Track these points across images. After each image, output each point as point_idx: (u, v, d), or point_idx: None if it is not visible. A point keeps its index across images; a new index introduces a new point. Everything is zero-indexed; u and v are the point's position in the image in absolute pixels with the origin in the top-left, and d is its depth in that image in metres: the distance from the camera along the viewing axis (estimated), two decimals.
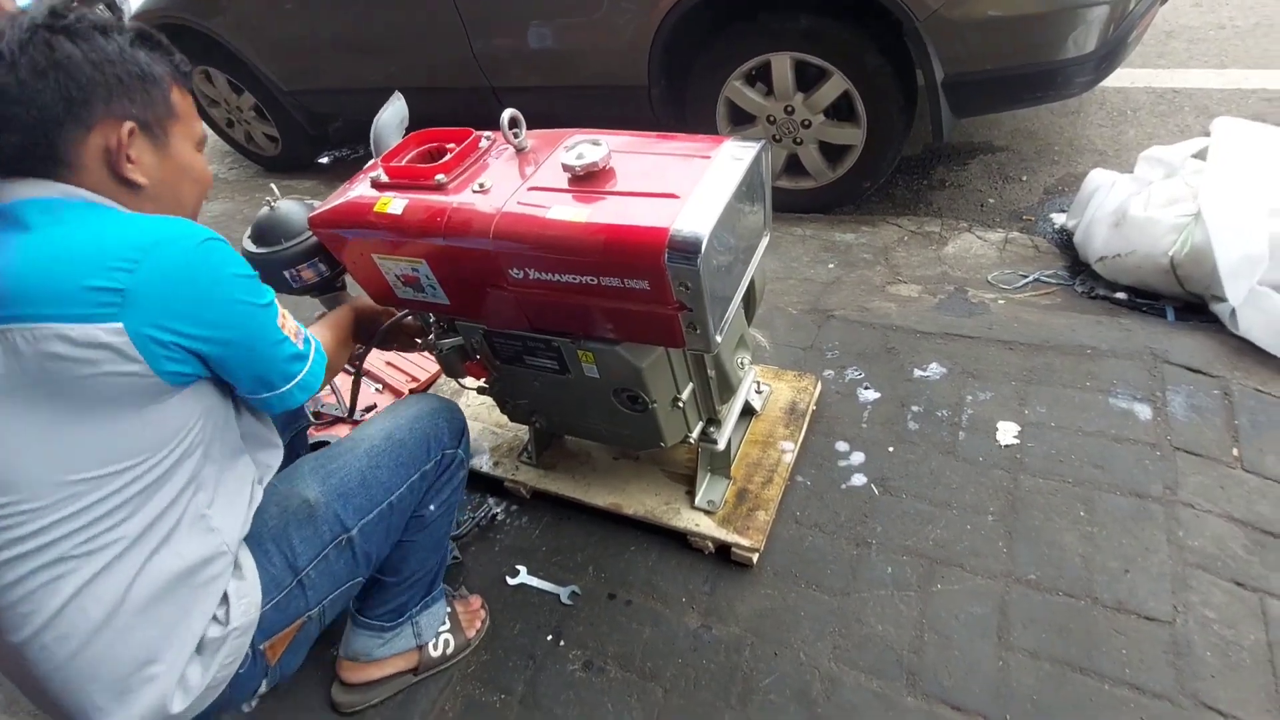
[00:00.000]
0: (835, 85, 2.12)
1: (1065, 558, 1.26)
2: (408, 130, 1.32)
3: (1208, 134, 1.83)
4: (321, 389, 1.00)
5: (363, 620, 1.19)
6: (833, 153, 2.32)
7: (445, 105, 2.74)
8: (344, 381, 1.91)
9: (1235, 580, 1.20)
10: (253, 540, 0.93)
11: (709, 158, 1.04)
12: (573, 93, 2.51)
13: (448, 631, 1.27)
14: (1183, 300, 1.76)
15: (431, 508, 1.14)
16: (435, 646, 1.25)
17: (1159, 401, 1.49)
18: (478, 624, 1.31)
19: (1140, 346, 1.62)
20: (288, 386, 0.90)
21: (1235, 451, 1.38)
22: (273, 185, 1.62)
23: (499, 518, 1.53)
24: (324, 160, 3.61)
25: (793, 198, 2.45)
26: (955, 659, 1.16)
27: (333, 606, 1.03)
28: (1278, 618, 1.15)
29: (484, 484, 1.59)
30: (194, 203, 0.94)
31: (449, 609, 1.29)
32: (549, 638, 1.30)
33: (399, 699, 1.24)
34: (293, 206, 1.30)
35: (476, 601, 1.34)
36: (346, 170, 3.55)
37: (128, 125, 0.81)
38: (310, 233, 1.23)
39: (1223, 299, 1.59)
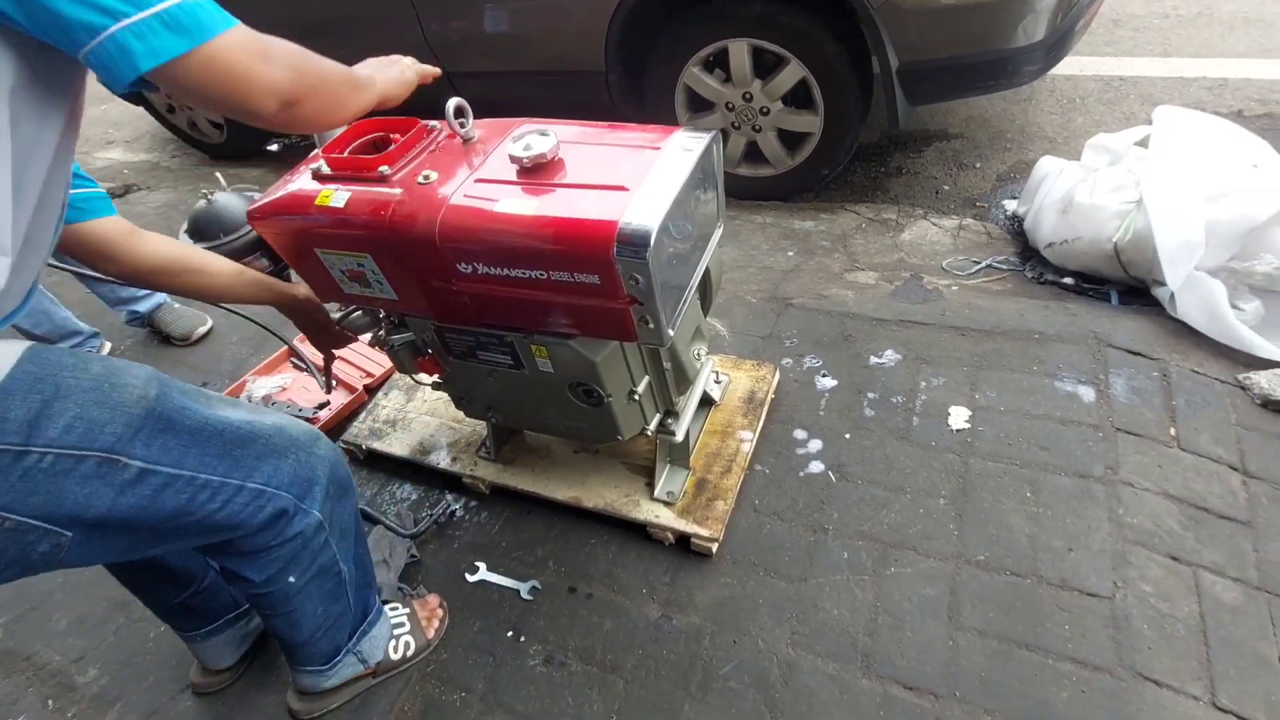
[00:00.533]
0: (793, 72, 2.11)
1: (1012, 538, 1.30)
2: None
3: (1150, 122, 1.88)
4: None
5: (297, 668, 1.14)
6: (791, 140, 2.32)
7: None
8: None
9: (1171, 555, 1.25)
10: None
11: (659, 149, 1.03)
12: (529, 78, 2.46)
13: (407, 634, 1.25)
14: (1126, 284, 1.81)
15: (291, 579, 1.00)
16: (395, 650, 1.23)
17: (1102, 384, 1.54)
18: (436, 623, 1.29)
19: (1085, 331, 1.66)
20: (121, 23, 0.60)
21: (1172, 431, 1.44)
22: (218, 174, 1.57)
23: (458, 514, 1.51)
24: (273, 148, 3.48)
25: (752, 185, 2.45)
26: (907, 640, 1.19)
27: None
28: (1210, 590, 1.20)
29: (442, 480, 1.57)
30: None
31: (407, 609, 1.28)
32: (509, 634, 1.29)
33: (356, 702, 1.22)
34: (231, 199, 1.25)
35: (434, 600, 1.32)
36: (297, 158, 3.42)
37: None
38: (250, 227, 1.19)
39: (1163, 283, 1.64)
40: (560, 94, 2.48)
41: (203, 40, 0.65)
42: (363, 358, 1.88)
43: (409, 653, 1.24)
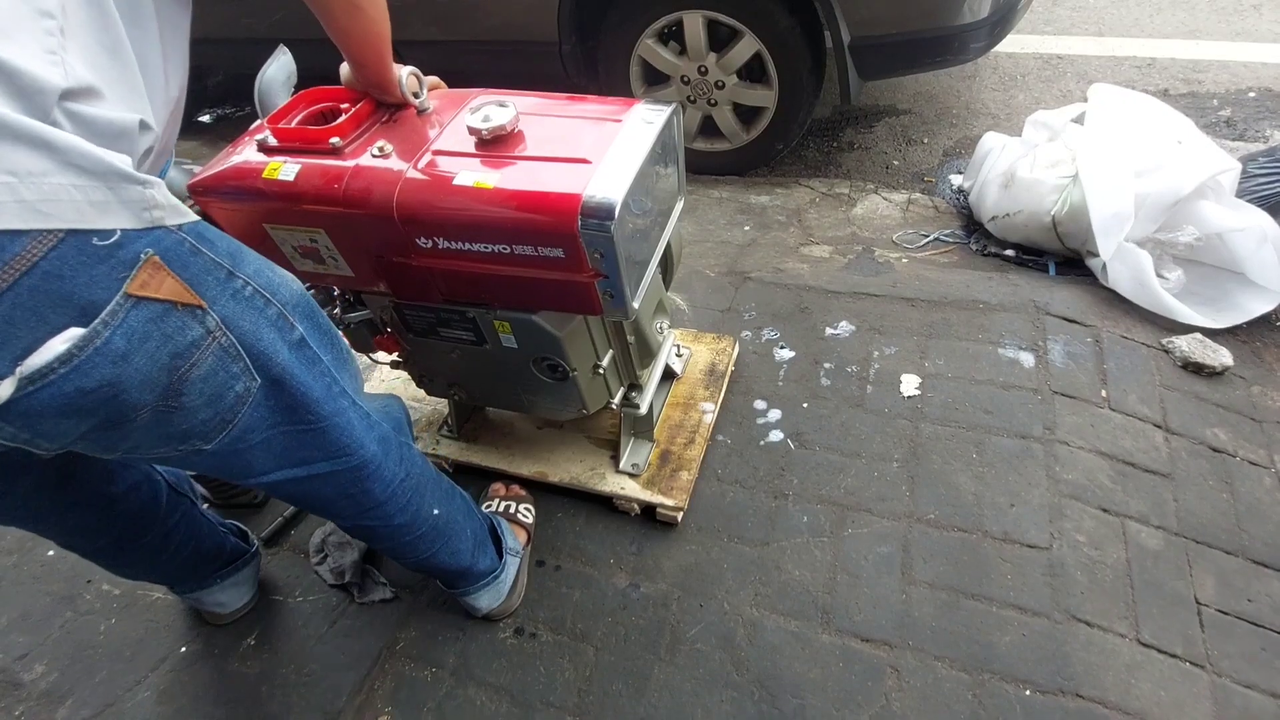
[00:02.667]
0: (747, 46, 2.12)
1: (960, 497, 1.37)
2: (296, 88, 1.23)
3: (1086, 99, 1.97)
4: None
5: (469, 591, 1.21)
6: (746, 115, 2.33)
7: (337, 59, 2.55)
8: None
9: (1102, 507, 1.35)
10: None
11: (620, 121, 1.03)
12: (479, 48, 2.40)
13: (514, 502, 1.39)
14: (1063, 256, 1.91)
15: (436, 511, 1.06)
16: (525, 516, 1.38)
17: (1041, 350, 1.62)
18: (503, 486, 1.44)
19: (1025, 300, 1.75)
20: None
21: (1104, 393, 1.53)
22: None
23: None
24: (205, 119, 3.30)
25: (709, 160, 2.46)
26: (864, 596, 1.25)
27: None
28: (1135, 538, 1.30)
29: None
30: None
31: (493, 496, 1.41)
32: None
33: (322, 683, 1.21)
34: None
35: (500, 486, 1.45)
36: (232, 129, 3.26)
37: None
38: (192, 201, 1.13)
39: (1095, 254, 1.74)
40: (512, 65, 2.42)
41: None
42: None
43: (529, 518, 1.39)
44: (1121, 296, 1.72)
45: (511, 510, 1.37)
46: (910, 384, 1.59)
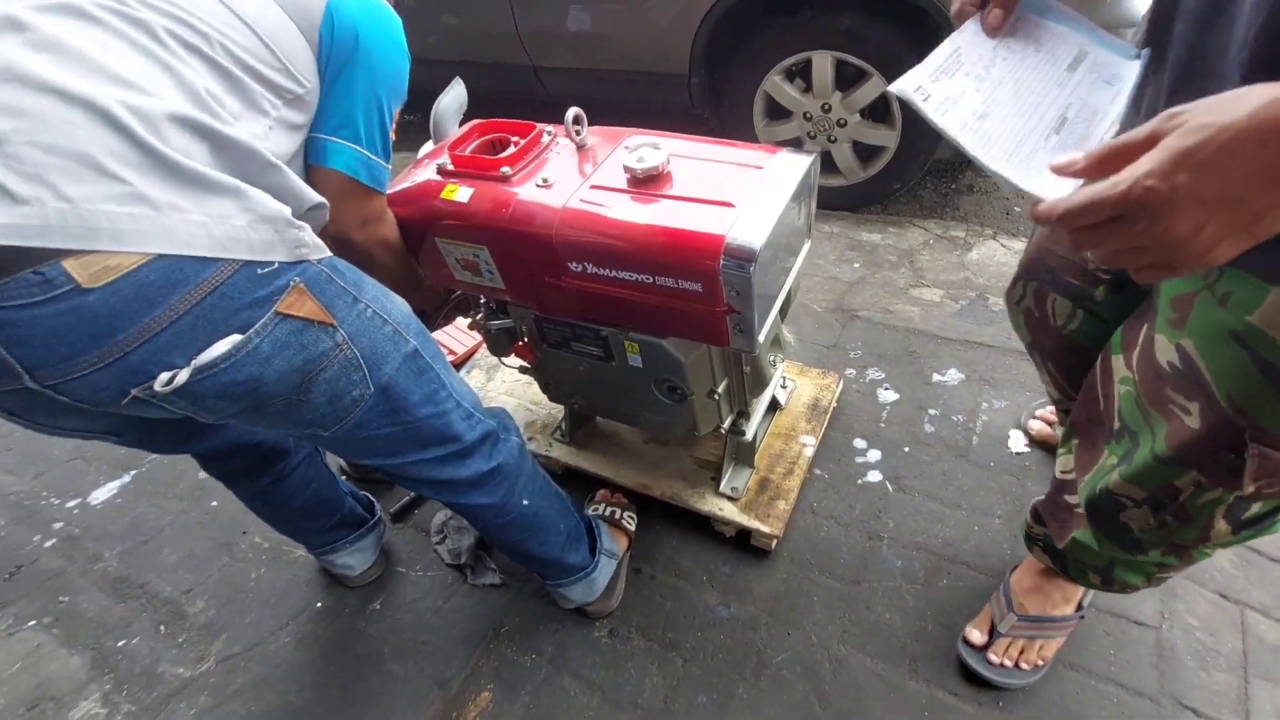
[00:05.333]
0: (874, 87, 2.15)
1: None
2: (465, 115, 1.38)
3: None
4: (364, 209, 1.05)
5: (561, 583, 1.30)
6: (865, 152, 2.36)
7: (486, 81, 2.77)
8: None
9: (1220, 593, 1.29)
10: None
11: (763, 168, 1.10)
12: (614, 77, 2.54)
13: (618, 509, 1.48)
14: None
15: (525, 501, 1.17)
16: (629, 522, 1.47)
17: None
18: (609, 492, 1.54)
19: None
20: (346, 144, 0.95)
21: None
22: None
23: None
24: None
25: (822, 194, 2.46)
26: (955, 650, 1.25)
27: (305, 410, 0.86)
28: (1255, 629, 1.24)
29: None
30: None
31: (599, 502, 1.51)
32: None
33: (436, 653, 1.33)
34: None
35: (606, 493, 1.55)
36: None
37: None
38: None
39: None
40: (641, 93, 2.55)
41: (372, 187, 1.02)
42: (448, 337, 1.99)
43: (631, 525, 1.47)
44: None
45: (616, 515, 1.46)
46: (1019, 441, 1.56)
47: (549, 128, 1.26)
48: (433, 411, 1.00)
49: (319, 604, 1.44)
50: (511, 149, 1.19)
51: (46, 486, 1.77)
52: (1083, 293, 0.99)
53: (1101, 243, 0.49)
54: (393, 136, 1.04)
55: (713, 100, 2.47)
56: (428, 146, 1.32)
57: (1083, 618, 1.22)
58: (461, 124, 1.32)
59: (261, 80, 0.83)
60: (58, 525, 1.67)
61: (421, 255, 1.28)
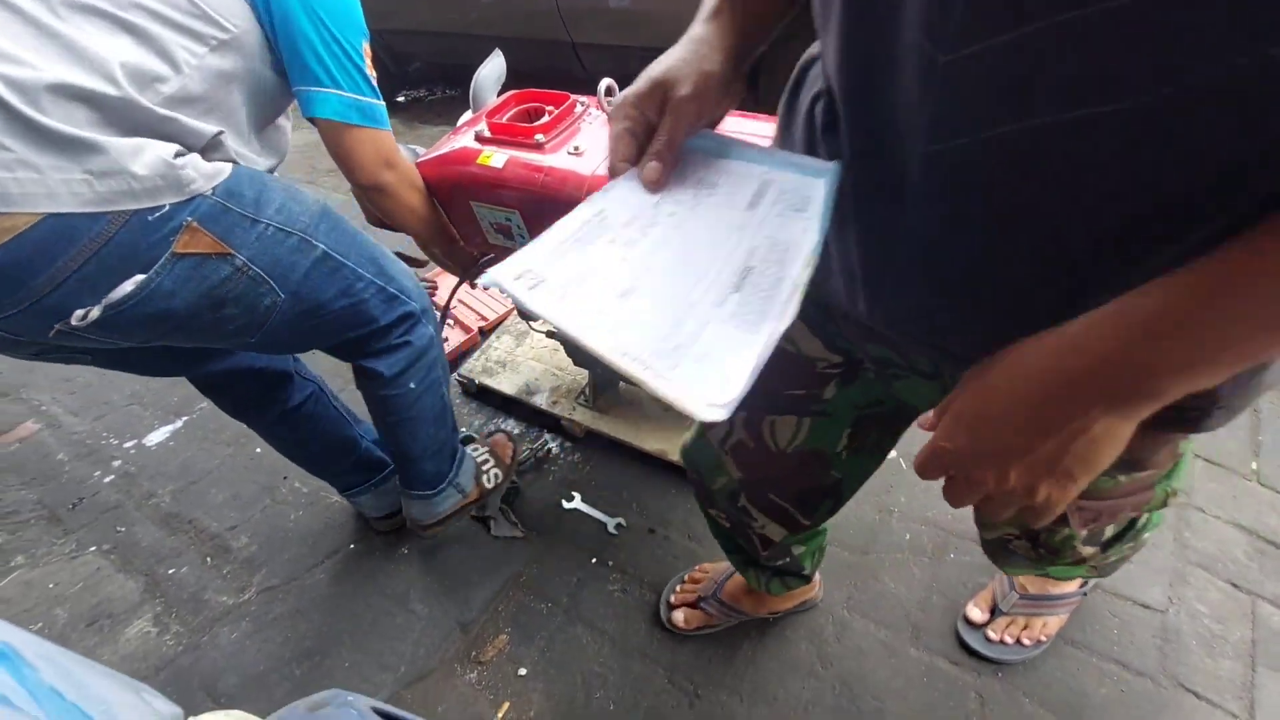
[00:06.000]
0: None
1: None
2: (502, 86, 1.43)
3: None
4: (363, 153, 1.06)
5: (409, 494, 1.36)
6: None
7: (524, 56, 2.82)
8: None
9: (1232, 582, 1.29)
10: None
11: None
12: (651, 55, 2.54)
13: (493, 466, 1.49)
14: None
15: (411, 385, 1.23)
16: (488, 480, 1.47)
17: None
18: (509, 454, 1.54)
19: None
20: (324, 90, 0.98)
21: (1254, 465, 1.45)
22: None
23: (554, 451, 1.68)
24: (400, 99, 3.72)
25: None
26: (958, 622, 1.28)
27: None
28: (1266, 620, 1.24)
29: (541, 420, 1.75)
30: None
31: (486, 447, 1.51)
32: (593, 560, 1.46)
33: (459, 595, 1.41)
34: (403, 151, 1.42)
35: (502, 438, 1.57)
36: (423, 110, 3.65)
37: None
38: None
39: None
40: None
41: (371, 125, 1.05)
42: (479, 303, 2.07)
43: (499, 480, 1.48)
44: None
45: (484, 464, 1.48)
46: None
47: (582, 99, 1.30)
48: (349, 303, 1.09)
49: (352, 545, 1.53)
50: (546, 118, 1.24)
51: (107, 428, 1.90)
52: (807, 398, 0.80)
53: (958, 498, 0.51)
54: (372, 71, 1.06)
55: (749, 76, 2.47)
56: (467, 115, 1.38)
57: (1085, 595, 1.24)
58: (499, 95, 1.37)
59: (179, 28, 0.87)
60: (116, 463, 1.79)
61: (455, 218, 1.34)
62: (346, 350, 1.20)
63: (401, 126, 3.39)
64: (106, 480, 1.75)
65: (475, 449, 1.50)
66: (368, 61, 1.05)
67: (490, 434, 1.61)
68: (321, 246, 1.02)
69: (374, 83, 1.07)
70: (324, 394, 1.38)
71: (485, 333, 2.00)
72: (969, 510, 1.38)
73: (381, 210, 1.23)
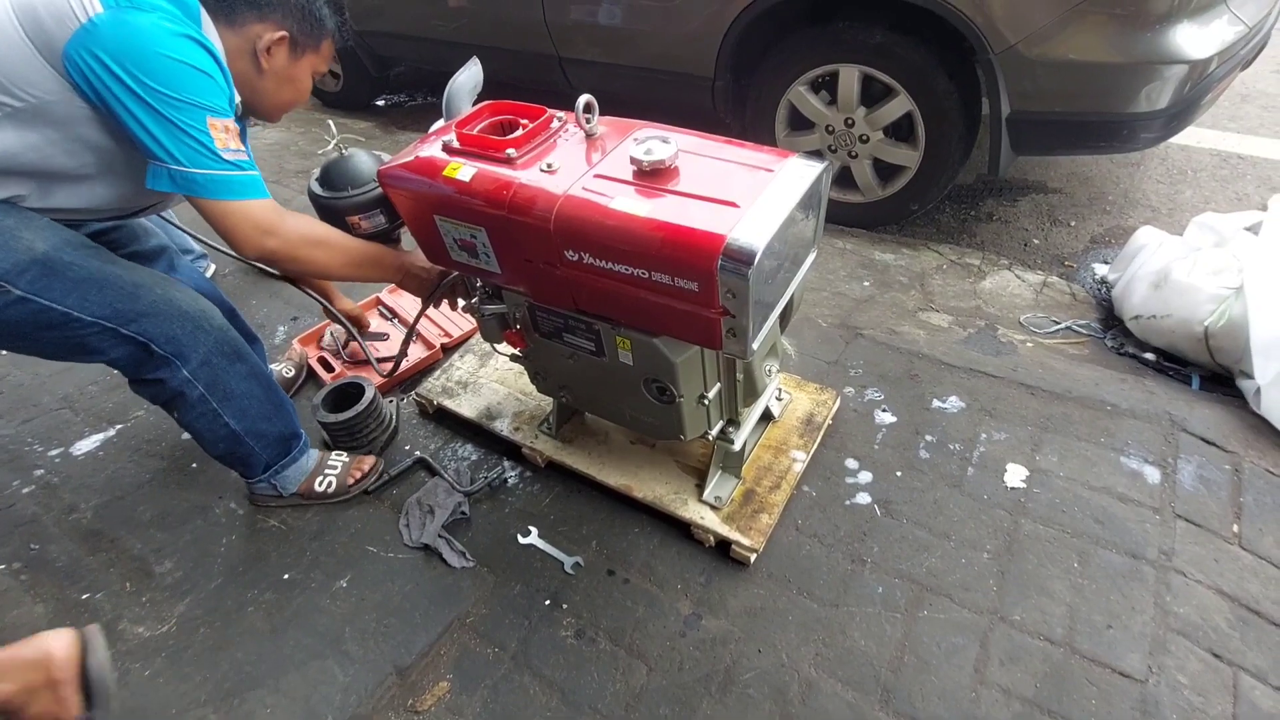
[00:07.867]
0: (899, 105, 2.11)
1: (1052, 605, 1.30)
2: (479, 95, 1.36)
3: (1265, 208, 1.82)
4: (265, 248, 1.12)
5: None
6: (886, 171, 2.32)
7: (509, 67, 2.76)
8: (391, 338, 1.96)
9: (1213, 651, 1.24)
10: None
11: (772, 171, 1.07)
12: (637, 74, 2.52)
13: (334, 475, 1.53)
14: (1209, 371, 1.77)
15: (176, 414, 1.31)
16: (319, 484, 1.52)
17: (1169, 468, 1.51)
18: (359, 474, 1.55)
19: (1160, 410, 1.63)
20: (165, 166, 1.02)
21: (1236, 528, 1.41)
22: (330, 122, 1.66)
23: (511, 481, 1.59)
24: (380, 103, 3.63)
25: (838, 210, 2.46)
26: (930, 684, 1.21)
27: None
28: (1248, 694, 1.19)
29: (502, 447, 1.65)
30: (283, 103, 1.27)
31: (345, 460, 1.56)
32: (546, 602, 1.36)
33: (397, 637, 1.31)
34: (363, 156, 1.34)
35: (370, 461, 1.58)
36: (401, 116, 3.57)
37: (281, 33, 1.16)
38: (376, 184, 1.27)
39: (1250, 376, 1.60)
40: (664, 93, 2.53)
41: (223, 199, 1.08)
42: (444, 318, 1.97)
43: (330, 489, 1.53)
44: (1274, 427, 1.58)
45: (333, 471, 1.54)
46: (1016, 475, 1.52)
47: (560, 114, 1.23)
48: (60, 335, 1.13)
49: (286, 575, 1.42)
50: (519, 132, 1.17)
51: (32, 432, 1.76)
52: None
53: None
54: (231, 145, 1.07)
55: (735, 105, 2.44)
56: (439, 123, 1.30)
57: None
58: (475, 104, 1.30)
59: None
60: (38, 472, 1.66)
61: (418, 231, 1.26)
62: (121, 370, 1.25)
63: (379, 131, 3.30)
64: (25, 491, 1.62)
65: (337, 455, 1.57)
66: (216, 134, 1.05)
67: (358, 456, 1.62)
68: (18, 292, 1.07)
69: (229, 155, 1.07)
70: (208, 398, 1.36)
71: (448, 350, 1.90)
72: (946, 565, 1.33)
73: (286, 274, 1.28)
